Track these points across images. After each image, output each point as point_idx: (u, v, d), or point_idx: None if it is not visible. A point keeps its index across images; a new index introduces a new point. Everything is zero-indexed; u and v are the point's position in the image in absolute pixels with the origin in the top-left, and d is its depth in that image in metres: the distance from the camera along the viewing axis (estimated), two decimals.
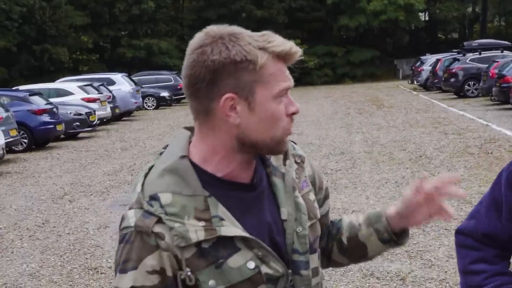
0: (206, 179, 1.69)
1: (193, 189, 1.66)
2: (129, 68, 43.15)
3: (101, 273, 7.69)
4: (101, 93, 26.18)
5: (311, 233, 1.84)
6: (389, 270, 6.79)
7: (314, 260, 1.85)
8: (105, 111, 25.56)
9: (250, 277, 1.68)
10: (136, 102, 30.43)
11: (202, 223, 1.63)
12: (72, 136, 22.67)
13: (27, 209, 11.23)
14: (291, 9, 53.39)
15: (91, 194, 12.44)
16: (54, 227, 9.90)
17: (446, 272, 6.82)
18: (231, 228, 1.66)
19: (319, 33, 55.80)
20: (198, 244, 1.63)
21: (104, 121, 25.70)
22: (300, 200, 1.83)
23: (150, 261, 1.62)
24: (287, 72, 1.72)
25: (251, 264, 1.67)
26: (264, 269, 1.70)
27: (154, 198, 1.64)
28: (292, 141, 1.93)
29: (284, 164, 1.86)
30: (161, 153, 1.81)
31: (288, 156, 1.88)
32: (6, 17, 44.83)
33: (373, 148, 15.80)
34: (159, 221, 1.62)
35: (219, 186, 1.71)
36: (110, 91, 27.41)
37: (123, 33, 51.45)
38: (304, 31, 54.82)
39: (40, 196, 12.45)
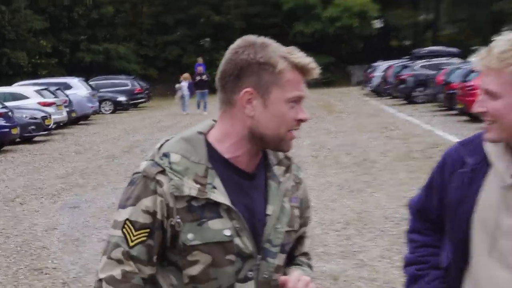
0: (214, 155, 1.96)
1: (199, 158, 1.93)
2: (88, 72, 42.65)
3: (45, 274, 7.67)
4: (57, 97, 26.03)
5: (286, 236, 2.05)
6: (323, 270, 6.88)
7: (281, 259, 2.06)
8: (61, 115, 25.44)
9: (223, 242, 1.91)
10: (92, 106, 30.34)
11: (198, 186, 1.90)
12: (28, 140, 22.51)
13: None
14: (248, 15, 53.35)
15: (42, 197, 12.37)
16: (3, 229, 9.86)
17: (377, 271, 6.96)
18: (220, 197, 1.91)
19: (275, 38, 51.84)
20: (189, 200, 1.89)
21: (60, 125, 25.57)
22: (287, 205, 2.06)
23: (146, 202, 1.90)
24: (303, 84, 1.97)
25: (227, 232, 1.91)
26: (237, 241, 1.92)
27: (166, 155, 1.93)
28: (298, 165, 2.20)
29: (284, 176, 2.08)
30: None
31: (290, 171, 2.11)
32: None
33: (320, 152, 15.84)
34: (163, 172, 1.90)
35: (223, 164, 1.97)
36: (67, 95, 27.31)
37: (82, 37, 50.84)
38: (260, 36, 55.32)
39: None
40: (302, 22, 50.80)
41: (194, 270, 1.93)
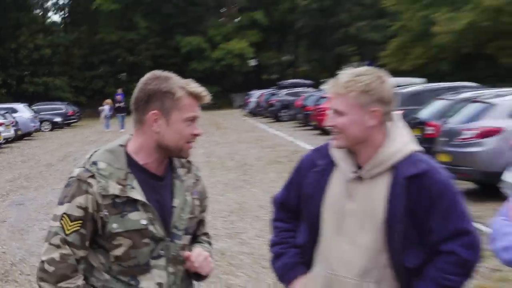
0: (132, 163, 2.01)
1: (120, 165, 1.98)
2: (31, 99, 40.86)
3: None
4: (6, 119, 25.33)
5: (189, 222, 2.11)
6: (213, 248, 6.79)
7: (186, 239, 2.11)
8: (9, 132, 24.79)
9: (140, 230, 1.97)
10: (34, 126, 29.62)
11: (120, 186, 1.95)
12: None
13: None
14: (155, 56, 52.61)
15: None
16: None
17: (254, 247, 6.99)
18: (137, 195, 1.97)
19: (176, 73, 55.09)
20: (114, 198, 1.94)
21: (8, 140, 24.83)
22: (189, 198, 2.13)
23: (80, 200, 1.93)
24: (198, 107, 2.05)
25: (144, 221, 1.97)
26: (151, 228, 1.98)
27: (94, 163, 1.97)
28: (196, 167, 2.27)
29: (186, 175, 2.15)
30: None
31: (191, 171, 2.18)
32: None
33: (211, 159, 15.80)
34: (93, 176, 1.94)
35: (139, 169, 2.02)
36: (14, 117, 26.64)
37: (26, 73, 49.48)
38: (165, 71, 54.88)
39: None
40: (196, 61, 50.57)
41: (119, 251, 1.97)
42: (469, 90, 14.25)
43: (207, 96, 2.07)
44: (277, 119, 30.80)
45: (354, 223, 2.13)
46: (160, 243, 2.04)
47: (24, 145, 24.98)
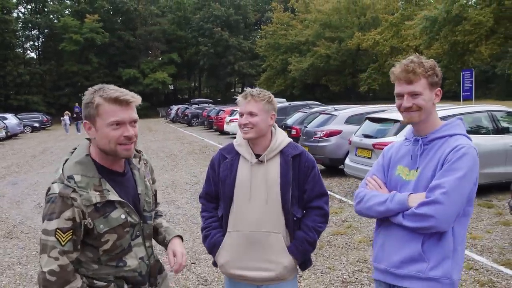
0: (99, 167, 1.80)
1: (92, 173, 1.77)
2: (16, 111, 41.39)
3: (2, 221, 7.35)
4: None
5: (152, 202, 1.99)
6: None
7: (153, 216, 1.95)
8: (2, 133, 24.73)
9: (122, 223, 1.81)
10: (19, 129, 29.68)
11: (98, 193, 1.75)
12: None
13: None
14: (104, 81, 34.80)
15: None
16: None
17: (186, 210, 7.33)
18: (114, 196, 1.78)
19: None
20: (95, 204, 1.75)
21: (1, 139, 24.61)
22: (148, 183, 1.96)
23: (67, 213, 1.71)
24: (124, 111, 1.75)
25: (123, 216, 1.82)
26: (129, 218, 1.84)
27: (71, 177, 1.74)
28: (140, 151, 2.02)
29: (139, 163, 1.98)
30: (71, 152, 1.88)
31: (141, 160, 2.00)
32: None
33: (148, 151, 15.97)
34: (74, 191, 1.73)
35: (106, 171, 1.81)
36: (4, 123, 26.52)
37: (11, 92, 50.42)
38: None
39: None
40: (133, 86, 50.76)
41: (107, 246, 1.80)
42: (315, 106, 15.74)
43: (126, 97, 1.73)
44: (190, 125, 31.61)
45: (259, 193, 2.28)
46: (136, 226, 1.87)
47: (13, 142, 24.50)
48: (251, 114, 2.25)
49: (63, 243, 1.72)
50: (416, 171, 1.98)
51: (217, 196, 2.40)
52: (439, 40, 35.61)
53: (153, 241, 2.04)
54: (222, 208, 2.35)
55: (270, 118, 2.28)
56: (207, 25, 55.50)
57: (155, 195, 2.05)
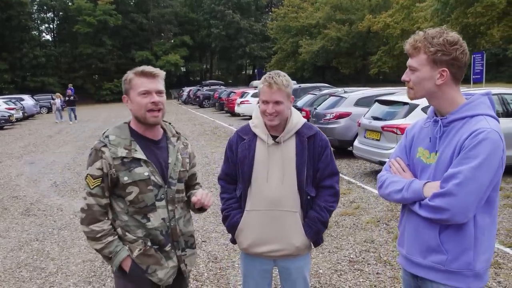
0: (134, 133, 2.07)
1: (125, 135, 2.05)
2: (32, 92, 41.50)
3: (20, 199, 7.42)
4: (16, 105, 25.41)
5: (180, 173, 2.15)
6: None
7: (180, 186, 2.14)
8: (19, 114, 24.91)
9: (144, 179, 2.01)
10: (36, 110, 29.86)
11: (127, 151, 2.01)
12: (1, 128, 21.61)
13: None
14: (117, 64, 52.88)
15: (12, 158, 11.81)
16: None
17: (203, 184, 4.27)
18: (140, 155, 2.01)
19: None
20: (122, 159, 1.99)
21: (18, 120, 24.80)
22: (179, 157, 2.14)
23: (98, 164, 2.01)
24: (152, 82, 2.03)
25: (146, 173, 2.02)
26: (152, 177, 2.03)
27: (106, 136, 2.04)
28: (184, 137, 2.25)
29: (176, 142, 2.17)
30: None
31: (180, 139, 2.21)
32: None
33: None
34: (105, 146, 2.01)
35: (140, 137, 2.07)
36: (22, 104, 26.87)
37: (28, 74, 50.90)
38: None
39: None
40: None
41: (131, 197, 2.02)
42: (325, 88, 15.56)
43: (151, 70, 2.03)
44: (201, 106, 31.73)
45: (276, 173, 2.31)
46: (161, 189, 2.05)
47: (30, 123, 24.75)
48: (277, 103, 2.26)
49: (91, 187, 2.00)
50: (436, 154, 1.85)
51: (235, 178, 2.42)
52: (450, 22, 34.57)
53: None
54: (240, 188, 2.39)
55: (290, 102, 2.31)
56: (218, 8, 55.16)
57: (192, 176, 2.29)
